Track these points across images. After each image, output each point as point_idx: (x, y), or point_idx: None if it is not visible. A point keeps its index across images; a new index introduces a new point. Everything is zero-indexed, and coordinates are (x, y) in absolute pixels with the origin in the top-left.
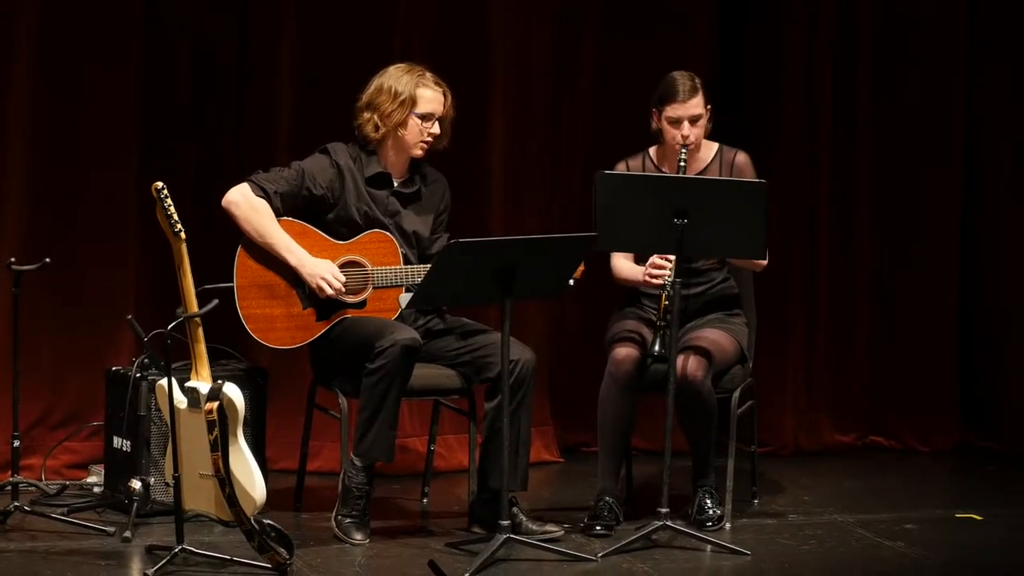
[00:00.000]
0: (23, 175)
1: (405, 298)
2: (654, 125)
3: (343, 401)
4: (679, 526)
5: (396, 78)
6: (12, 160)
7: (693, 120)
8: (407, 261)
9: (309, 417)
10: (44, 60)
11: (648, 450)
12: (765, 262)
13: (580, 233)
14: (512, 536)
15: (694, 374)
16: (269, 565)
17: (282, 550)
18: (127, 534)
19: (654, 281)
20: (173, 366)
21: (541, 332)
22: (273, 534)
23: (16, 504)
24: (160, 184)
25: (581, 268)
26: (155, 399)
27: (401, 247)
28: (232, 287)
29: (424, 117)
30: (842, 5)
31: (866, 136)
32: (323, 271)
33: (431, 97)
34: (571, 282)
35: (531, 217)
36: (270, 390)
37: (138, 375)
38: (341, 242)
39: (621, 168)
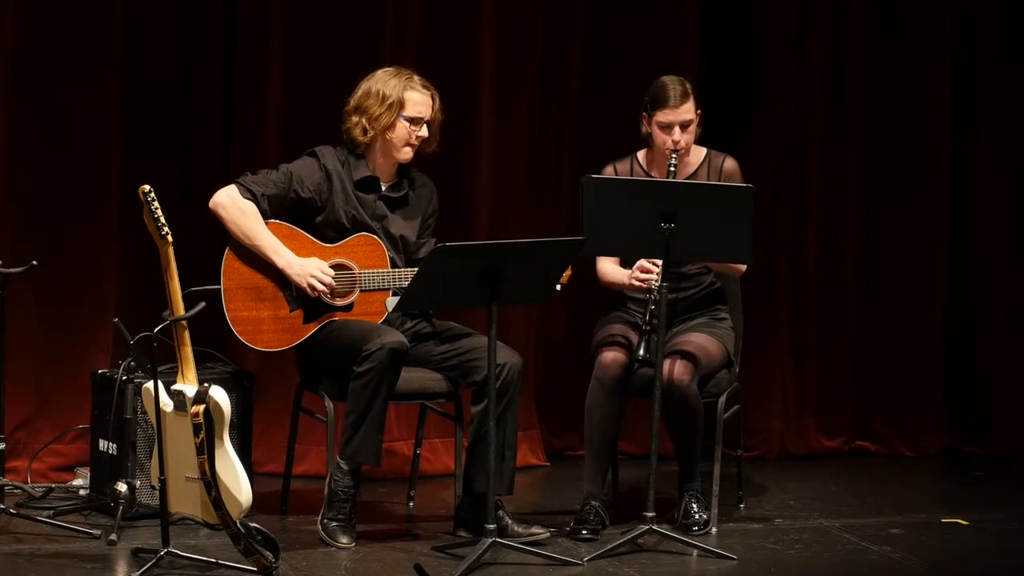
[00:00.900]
0: (6, 177)
1: (392, 302)
2: (644, 129)
3: (329, 404)
4: (665, 530)
5: (384, 81)
6: None
7: (684, 125)
8: (394, 265)
9: (295, 420)
10: (26, 63)
11: (634, 454)
12: (745, 267)
13: (567, 237)
14: (498, 540)
15: (680, 378)
16: (255, 568)
17: (268, 553)
18: (113, 537)
19: (640, 284)
20: (159, 369)
21: (528, 336)
22: (259, 537)
23: (1, 507)
24: (147, 187)
25: (568, 272)
26: (141, 402)
27: (388, 251)
28: (219, 290)
29: (412, 120)
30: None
31: (855, 139)
32: (311, 269)
33: (419, 100)
34: (558, 286)
35: (518, 222)
36: (256, 393)
37: (124, 378)
38: (328, 245)
39: (609, 172)
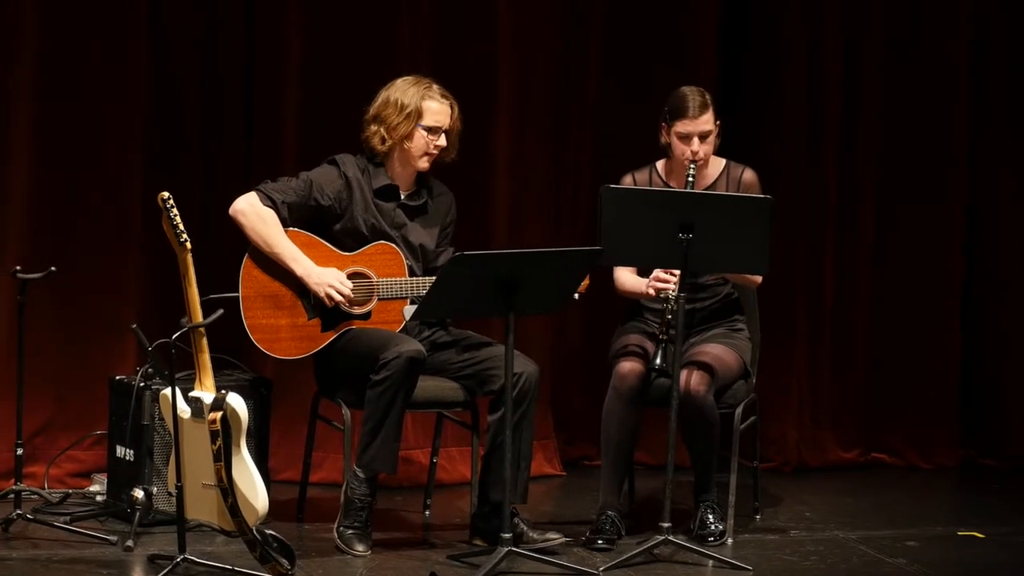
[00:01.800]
0: (27, 184)
1: (409, 310)
2: (663, 139)
3: (346, 412)
4: (681, 541)
5: (403, 91)
6: (16, 169)
7: (703, 136)
8: (412, 273)
9: (312, 428)
10: (48, 68)
11: (651, 464)
12: (760, 279)
13: (585, 247)
14: (514, 549)
15: (697, 389)
16: (271, 575)
17: (284, 560)
18: (129, 543)
19: (654, 294)
20: (177, 376)
21: (544, 345)
22: (275, 544)
23: (19, 512)
24: (166, 194)
25: (586, 282)
26: (159, 409)
27: (407, 259)
28: (237, 297)
29: (430, 130)
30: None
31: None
32: (330, 279)
33: (437, 110)
34: (576, 295)
35: (536, 232)
36: (274, 401)
37: (142, 384)
38: (347, 253)
39: (627, 181)
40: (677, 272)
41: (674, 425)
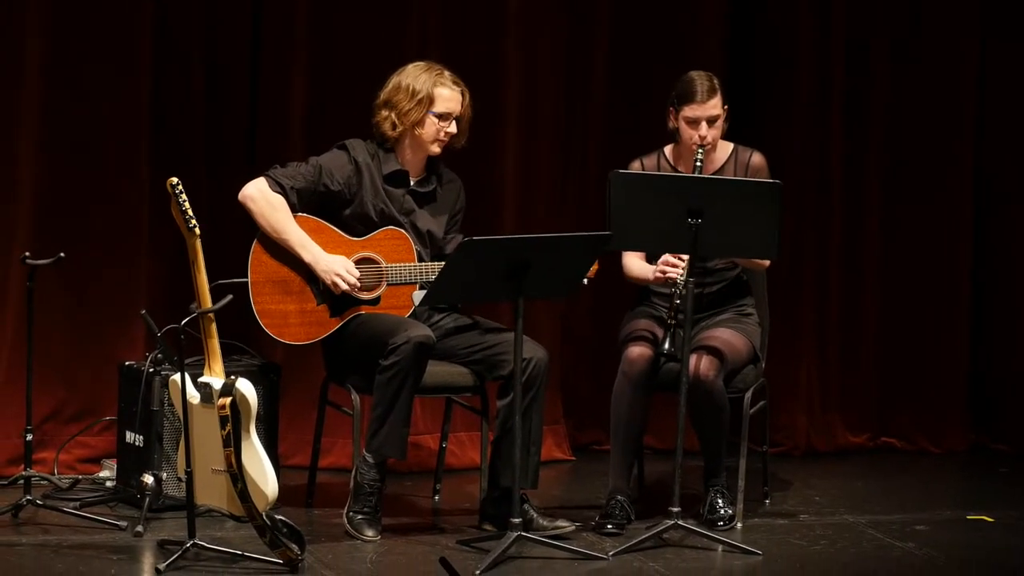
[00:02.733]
0: (35, 171)
1: (419, 295)
2: (671, 124)
3: (356, 398)
4: (690, 525)
5: (414, 76)
6: (24, 156)
7: (711, 121)
8: (421, 259)
9: (322, 413)
10: (55, 58)
11: (660, 449)
12: (768, 262)
13: (594, 232)
14: (523, 534)
15: (706, 374)
16: (280, 560)
17: (294, 546)
18: (139, 528)
19: (665, 277)
20: (186, 361)
21: (554, 330)
22: (285, 530)
23: (29, 498)
24: (175, 180)
25: (595, 267)
26: (168, 394)
27: (415, 245)
28: (246, 283)
29: (441, 116)
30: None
31: (878, 137)
32: (337, 267)
33: (449, 96)
34: (585, 280)
35: (544, 216)
36: (283, 386)
37: (151, 370)
38: (356, 239)
39: (636, 167)
40: (685, 256)
41: (683, 410)
